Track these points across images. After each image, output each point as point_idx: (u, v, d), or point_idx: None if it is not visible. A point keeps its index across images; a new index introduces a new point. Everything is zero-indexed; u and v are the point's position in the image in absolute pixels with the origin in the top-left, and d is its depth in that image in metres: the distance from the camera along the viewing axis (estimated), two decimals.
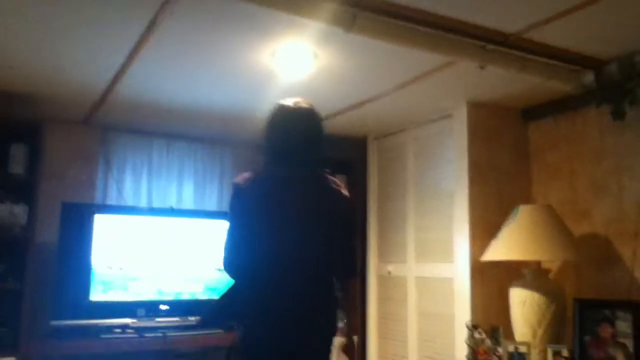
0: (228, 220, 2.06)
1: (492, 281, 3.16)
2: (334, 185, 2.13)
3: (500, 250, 2.89)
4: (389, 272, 3.84)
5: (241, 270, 2.02)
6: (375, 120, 3.77)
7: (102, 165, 3.91)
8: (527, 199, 3.35)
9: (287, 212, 2.03)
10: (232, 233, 2.03)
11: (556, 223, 2.88)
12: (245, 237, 2.00)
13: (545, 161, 3.37)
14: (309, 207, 2.07)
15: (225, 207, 4.19)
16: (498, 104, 3.36)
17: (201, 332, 3.54)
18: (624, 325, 2.58)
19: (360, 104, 3.41)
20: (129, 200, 3.93)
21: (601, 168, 3.03)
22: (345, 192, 2.16)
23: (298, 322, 1.97)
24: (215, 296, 3.73)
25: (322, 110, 3.45)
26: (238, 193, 2.08)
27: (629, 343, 2.55)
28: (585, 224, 3.08)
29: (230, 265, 2.03)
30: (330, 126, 3.80)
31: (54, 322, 3.27)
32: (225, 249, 2.02)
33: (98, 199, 3.85)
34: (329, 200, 2.11)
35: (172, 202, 4.05)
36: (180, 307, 3.60)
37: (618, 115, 2.68)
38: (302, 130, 2.12)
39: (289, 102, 2.16)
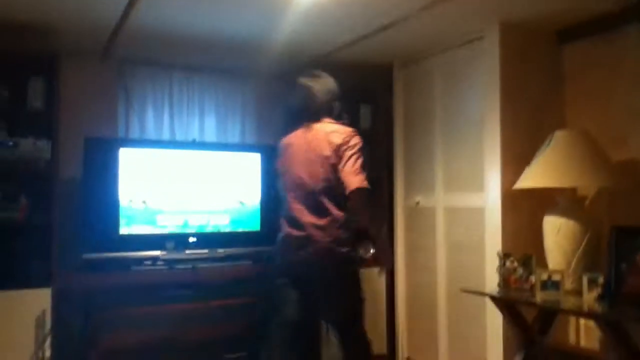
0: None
1: (524, 210, 3.09)
2: (330, 128, 2.79)
3: (534, 177, 2.80)
4: (417, 203, 3.79)
5: (280, 196, 2.92)
6: (401, 45, 3.61)
7: (122, 100, 3.85)
8: (561, 125, 3.22)
9: (296, 156, 2.82)
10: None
11: (592, 149, 2.77)
12: (279, 175, 2.93)
13: (581, 85, 3.22)
14: (308, 149, 2.78)
15: (248, 139, 4.18)
16: (532, 25, 3.17)
17: (230, 263, 3.57)
18: None
19: (384, 28, 3.23)
20: (151, 135, 3.89)
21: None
22: (344, 128, 2.80)
23: (302, 232, 2.73)
24: (241, 228, 3.75)
25: (344, 35, 3.36)
26: (279, 147, 2.97)
27: None
28: (621, 150, 2.96)
29: (277, 194, 2.97)
30: (353, 53, 3.71)
31: (86, 255, 3.31)
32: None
33: (120, 133, 3.81)
34: (325, 140, 2.73)
35: (194, 135, 4.00)
36: (208, 239, 3.62)
37: None
38: (303, 97, 2.89)
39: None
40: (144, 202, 3.51)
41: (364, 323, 2.81)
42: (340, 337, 2.79)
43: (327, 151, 2.70)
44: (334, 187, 2.69)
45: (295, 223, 2.74)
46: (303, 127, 2.85)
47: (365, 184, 2.64)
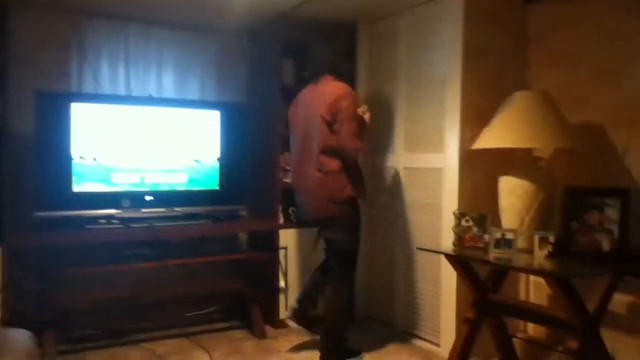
0: None
1: (481, 170, 3.13)
2: (327, 86, 3.13)
3: (492, 137, 2.82)
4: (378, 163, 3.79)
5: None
6: (364, 2, 3.53)
7: (76, 52, 3.69)
8: (524, 86, 3.23)
9: (298, 114, 3.28)
10: None
11: (550, 110, 2.79)
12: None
13: (545, 46, 3.22)
14: (307, 108, 3.20)
15: (208, 96, 4.10)
16: None
17: (188, 222, 3.53)
18: (611, 212, 2.58)
19: None
20: (106, 89, 3.76)
21: (604, 54, 2.90)
22: (339, 85, 3.11)
23: (304, 187, 3.23)
24: (199, 187, 3.70)
25: None
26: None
27: (615, 229, 2.56)
28: (582, 112, 2.99)
29: None
30: (317, 10, 3.62)
31: (38, 213, 3.22)
32: None
33: (73, 87, 3.67)
34: (321, 98, 3.09)
35: (151, 91, 3.88)
36: (165, 198, 3.56)
37: None
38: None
39: None
40: (97, 159, 3.41)
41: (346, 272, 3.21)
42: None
43: (322, 109, 3.04)
44: (330, 144, 3.04)
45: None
46: (310, 85, 3.26)
47: (354, 146, 3.02)
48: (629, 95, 2.79)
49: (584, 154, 2.93)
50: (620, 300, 2.73)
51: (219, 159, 3.74)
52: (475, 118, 3.09)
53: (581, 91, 3.01)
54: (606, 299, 2.50)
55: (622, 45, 2.83)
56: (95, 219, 3.34)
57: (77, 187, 3.34)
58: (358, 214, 3.17)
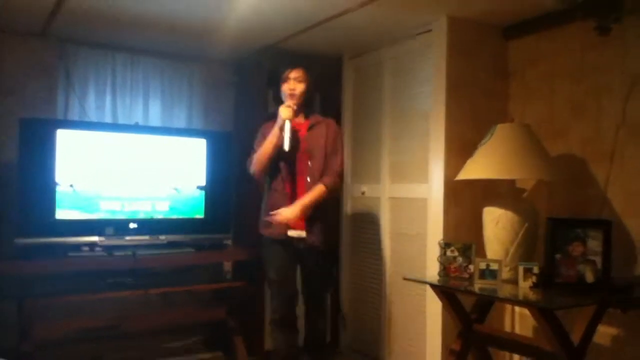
0: None
1: (466, 201, 3.16)
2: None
3: (475, 169, 2.86)
4: (363, 193, 3.81)
5: None
6: (350, 36, 3.60)
7: (62, 81, 3.70)
8: (504, 118, 3.29)
9: None
10: None
11: (532, 142, 2.85)
12: None
13: (524, 80, 3.31)
14: None
15: (195, 124, 4.11)
16: (479, 19, 3.23)
17: (172, 251, 3.49)
18: (594, 243, 2.60)
19: (332, 18, 3.21)
20: (92, 117, 3.75)
21: (580, 87, 2.99)
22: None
23: None
24: (184, 215, 3.68)
25: (293, 24, 3.33)
26: None
27: (598, 260, 2.59)
28: (561, 144, 3.06)
29: None
30: (303, 42, 3.68)
31: (19, 240, 3.17)
32: None
33: (59, 115, 3.66)
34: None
35: (138, 119, 3.88)
36: (149, 226, 3.53)
37: (603, 31, 2.59)
38: None
39: None
40: (82, 186, 3.38)
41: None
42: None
43: None
44: None
45: None
46: None
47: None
48: (605, 128, 2.86)
49: (566, 185, 2.98)
50: (604, 332, 2.75)
51: (203, 187, 3.72)
52: (459, 149, 3.13)
53: (560, 124, 3.08)
54: (590, 330, 2.51)
55: (595, 79, 2.91)
56: (77, 247, 3.28)
57: (60, 214, 3.30)
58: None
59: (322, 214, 3.03)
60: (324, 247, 3.04)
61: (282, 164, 3.02)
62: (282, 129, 2.94)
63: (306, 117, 3.13)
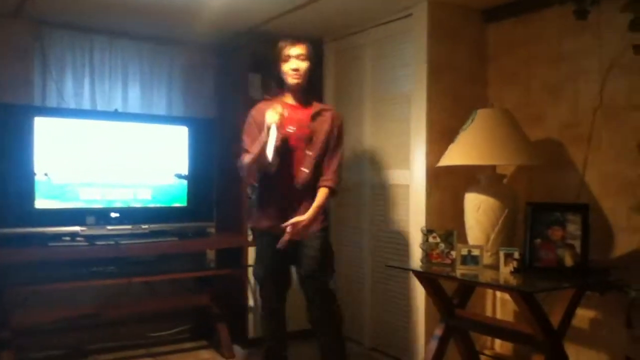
0: None
1: (447, 187, 3.17)
2: None
3: (456, 155, 2.86)
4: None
5: None
6: (331, 19, 3.56)
7: (38, 65, 3.62)
8: (484, 103, 3.30)
9: None
10: None
11: (512, 127, 2.86)
12: None
13: (502, 64, 3.31)
14: None
15: (175, 110, 4.05)
16: (459, 2, 3.22)
17: (154, 239, 3.47)
18: (573, 227, 2.63)
19: (314, 0, 3.19)
20: (70, 103, 3.68)
21: (558, 71, 3.01)
22: None
23: None
24: (167, 203, 3.65)
25: (274, 6, 3.29)
26: None
27: (577, 244, 2.62)
28: (539, 129, 3.08)
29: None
30: (284, 25, 3.63)
31: None
32: None
33: (37, 100, 3.59)
34: None
35: (117, 105, 3.82)
36: (131, 215, 3.50)
37: (581, 15, 2.58)
38: None
39: None
40: (61, 175, 3.34)
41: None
42: None
43: None
44: None
45: None
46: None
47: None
48: (582, 112, 2.88)
49: (545, 169, 3.01)
50: (583, 315, 2.80)
51: (184, 176, 3.70)
52: (440, 135, 3.14)
53: (537, 108, 3.10)
54: (569, 313, 2.56)
55: (572, 64, 2.93)
56: (58, 236, 3.25)
57: (39, 203, 3.26)
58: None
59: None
60: (322, 232, 2.81)
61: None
62: (267, 135, 2.60)
63: (308, 103, 2.84)
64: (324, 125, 2.78)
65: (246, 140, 2.77)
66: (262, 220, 2.84)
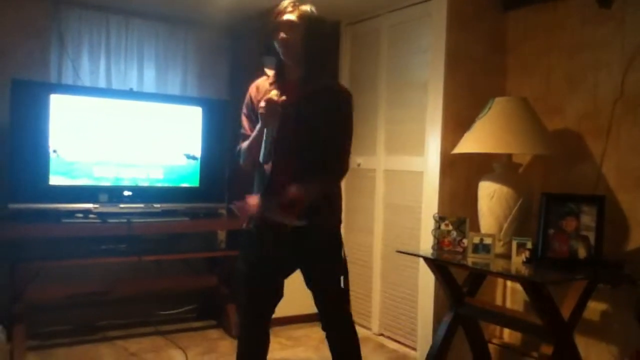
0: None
1: (461, 174, 3.15)
2: None
3: (472, 142, 2.84)
4: (359, 165, 3.79)
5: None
6: (348, 2, 3.53)
7: (55, 43, 3.62)
8: (502, 92, 3.26)
9: None
10: None
11: (530, 116, 2.82)
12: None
13: (522, 53, 3.26)
14: None
15: (190, 91, 4.04)
16: None
17: (166, 219, 3.48)
18: (588, 219, 2.61)
19: None
20: (85, 82, 3.69)
21: (578, 62, 2.95)
22: None
23: None
24: (179, 183, 3.66)
25: None
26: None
27: (591, 236, 2.60)
28: (558, 119, 3.04)
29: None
30: None
31: (12, 205, 3.15)
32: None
33: (52, 78, 3.60)
34: None
35: (132, 84, 3.82)
36: (144, 194, 3.51)
37: (605, 3, 2.54)
38: None
39: None
40: (76, 152, 3.35)
41: None
42: None
43: None
44: None
45: None
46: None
47: None
48: (602, 103, 2.84)
49: (562, 160, 2.97)
50: (594, 308, 2.77)
51: (193, 156, 3.68)
52: (456, 122, 3.11)
53: (557, 98, 3.05)
54: (581, 305, 2.53)
55: (593, 54, 2.88)
56: (71, 213, 3.27)
57: (53, 180, 3.28)
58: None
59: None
60: (328, 227, 2.32)
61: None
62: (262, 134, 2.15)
63: (308, 79, 2.27)
64: (325, 107, 2.25)
65: (244, 123, 2.39)
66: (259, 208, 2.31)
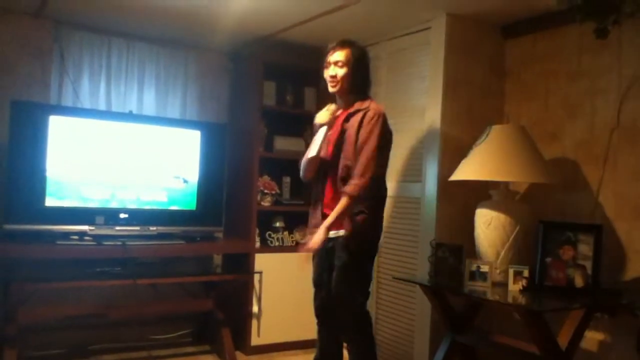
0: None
1: (459, 201, 3.14)
2: None
3: (469, 169, 2.84)
4: None
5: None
6: (348, 29, 3.53)
7: (56, 64, 3.65)
8: (500, 119, 3.28)
9: None
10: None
11: (527, 144, 2.84)
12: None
13: (520, 80, 3.29)
14: None
15: (189, 114, 4.06)
16: (478, 18, 3.21)
17: (161, 242, 3.46)
18: (585, 248, 2.61)
19: (331, 11, 3.19)
20: (85, 103, 3.71)
21: (575, 89, 2.98)
22: None
23: None
24: (175, 206, 3.65)
25: (289, 16, 3.30)
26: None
27: (588, 265, 2.59)
28: (555, 146, 3.05)
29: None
30: (300, 34, 3.65)
31: (7, 226, 3.14)
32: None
33: (52, 99, 3.61)
34: None
35: (132, 107, 3.83)
36: (140, 217, 3.49)
37: (602, 33, 2.56)
38: None
39: None
40: (73, 174, 3.35)
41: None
42: None
43: None
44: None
45: None
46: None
47: None
48: (599, 130, 2.85)
49: (559, 188, 2.97)
50: (591, 337, 2.75)
51: (187, 180, 3.67)
52: (454, 149, 3.11)
53: (554, 125, 3.07)
54: (578, 334, 2.51)
55: (591, 81, 2.91)
56: (66, 235, 3.25)
57: (49, 202, 3.27)
58: None
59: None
60: (349, 242, 2.59)
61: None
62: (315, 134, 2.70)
63: (350, 105, 2.71)
64: (354, 125, 2.62)
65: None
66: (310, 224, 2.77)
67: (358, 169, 2.55)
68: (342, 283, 2.60)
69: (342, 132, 2.65)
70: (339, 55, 2.64)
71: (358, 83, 2.67)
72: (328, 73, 2.66)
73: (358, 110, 2.64)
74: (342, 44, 2.66)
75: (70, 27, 3.66)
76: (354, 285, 2.61)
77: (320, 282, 2.76)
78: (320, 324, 2.85)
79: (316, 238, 2.53)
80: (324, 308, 2.78)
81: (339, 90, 2.67)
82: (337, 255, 2.61)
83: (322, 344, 2.85)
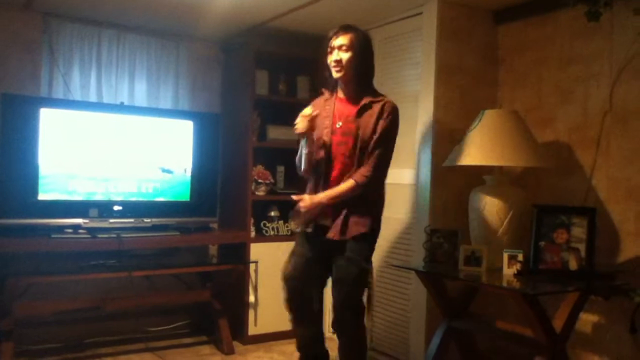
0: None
1: (453, 187, 3.15)
2: None
3: (463, 155, 2.84)
4: None
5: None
6: (340, 16, 3.52)
7: (46, 56, 3.61)
8: (493, 104, 3.28)
9: None
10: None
11: (520, 129, 2.84)
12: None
13: (513, 66, 3.29)
14: None
15: (181, 105, 4.04)
16: (470, 3, 3.20)
17: (156, 233, 3.46)
18: (579, 230, 2.61)
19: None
20: (76, 95, 3.68)
21: (568, 74, 2.98)
22: None
23: None
24: (170, 198, 3.64)
25: (280, 4, 3.28)
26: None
27: (582, 248, 2.60)
28: (548, 131, 3.06)
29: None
30: (292, 22, 3.63)
31: (1, 221, 3.13)
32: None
33: (43, 92, 3.58)
34: None
35: (123, 98, 3.81)
36: (134, 208, 3.49)
37: (593, 16, 2.56)
38: None
39: None
40: (66, 166, 3.33)
41: None
42: None
43: None
44: None
45: None
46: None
47: None
48: (592, 115, 2.86)
49: (551, 172, 2.98)
50: (586, 320, 2.77)
51: (168, 170, 3.65)
52: (447, 135, 3.11)
53: (547, 111, 3.07)
54: (573, 317, 2.53)
55: (583, 66, 2.91)
56: (60, 228, 3.24)
57: (43, 195, 3.26)
58: None
59: (359, 202, 2.57)
60: (351, 238, 2.56)
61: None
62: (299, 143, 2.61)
63: (359, 96, 2.62)
64: (370, 120, 2.56)
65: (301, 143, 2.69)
66: (297, 217, 2.67)
67: (373, 162, 2.54)
68: (355, 288, 2.57)
69: (356, 128, 2.57)
70: (342, 40, 2.56)
71: (362, 71, 2.60)
72: (332, 58, 2.59)
73: (373, 102, 2.59)
74: (345, 29, 2.59)
75: (60, 18, 3.62)
76: (362, 287, 2.62)
77: (295, 276, 2.65)
78: (300, 317, 2.71)
79: (315, 200, 2.52)
80: (301, 300, 2.67)
81: (344, 76, 2.59)
82: (351, 260, 2.53)
83: (306, 341, 2.75)
